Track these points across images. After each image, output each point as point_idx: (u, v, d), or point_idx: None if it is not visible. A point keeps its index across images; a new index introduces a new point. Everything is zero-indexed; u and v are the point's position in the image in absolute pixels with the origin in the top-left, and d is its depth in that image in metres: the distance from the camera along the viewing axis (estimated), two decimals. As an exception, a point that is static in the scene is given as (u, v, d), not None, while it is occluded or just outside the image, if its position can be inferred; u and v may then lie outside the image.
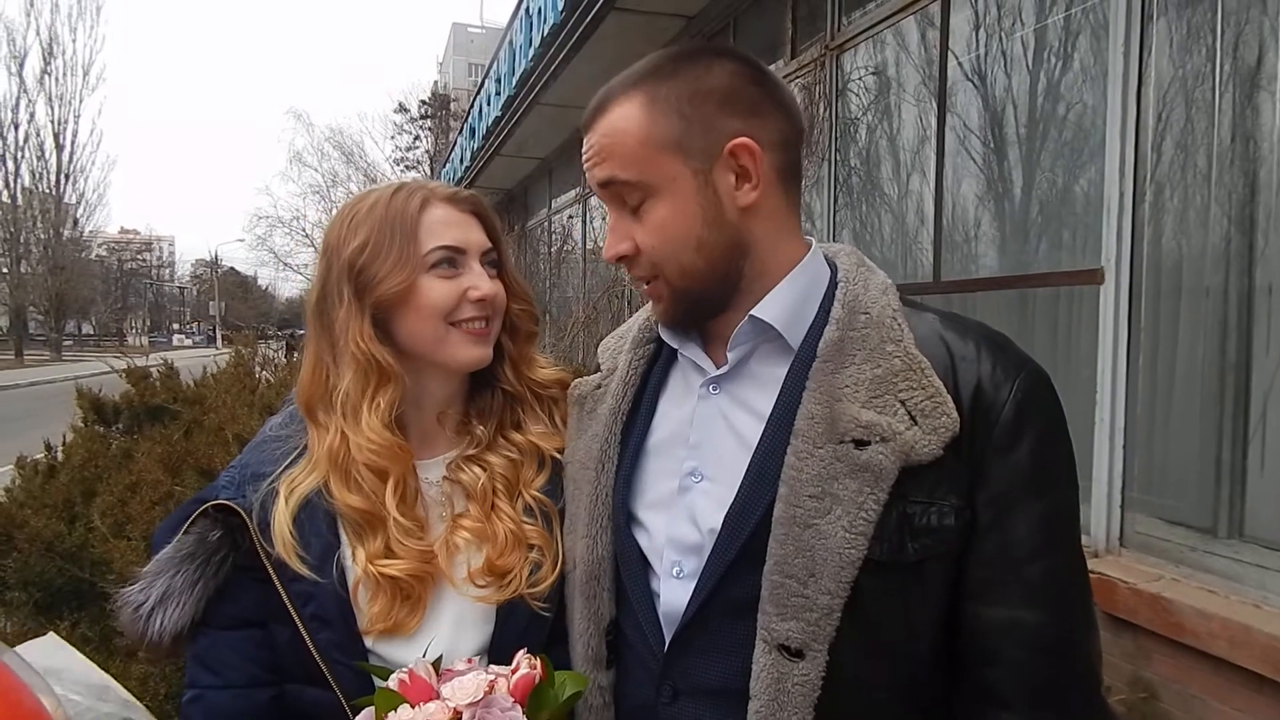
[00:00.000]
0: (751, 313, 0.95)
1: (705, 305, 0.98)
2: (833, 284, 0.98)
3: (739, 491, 0.93)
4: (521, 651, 0.97)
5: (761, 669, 0.88)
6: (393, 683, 0.92)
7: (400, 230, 1.08)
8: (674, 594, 0.96)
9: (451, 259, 1.10)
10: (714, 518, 0.94)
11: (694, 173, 0.93)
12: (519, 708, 0.91)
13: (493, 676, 0.92)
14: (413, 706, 0.89)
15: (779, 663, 0.87)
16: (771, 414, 0.94)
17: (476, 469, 1.13)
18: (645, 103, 0.93)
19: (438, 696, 0.90)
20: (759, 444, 0.94)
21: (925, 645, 0.91)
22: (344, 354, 1.08)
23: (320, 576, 1.04)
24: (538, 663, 0.95)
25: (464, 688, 0.90)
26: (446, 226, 1.10)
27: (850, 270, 0.98)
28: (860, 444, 0.88)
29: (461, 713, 0.88)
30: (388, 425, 1.08)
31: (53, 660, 1.00)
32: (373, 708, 0.92)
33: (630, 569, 1.01)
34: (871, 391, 0.90)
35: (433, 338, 1.09)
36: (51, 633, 1.23)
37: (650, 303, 1.03)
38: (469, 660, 1.00)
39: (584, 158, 0.98)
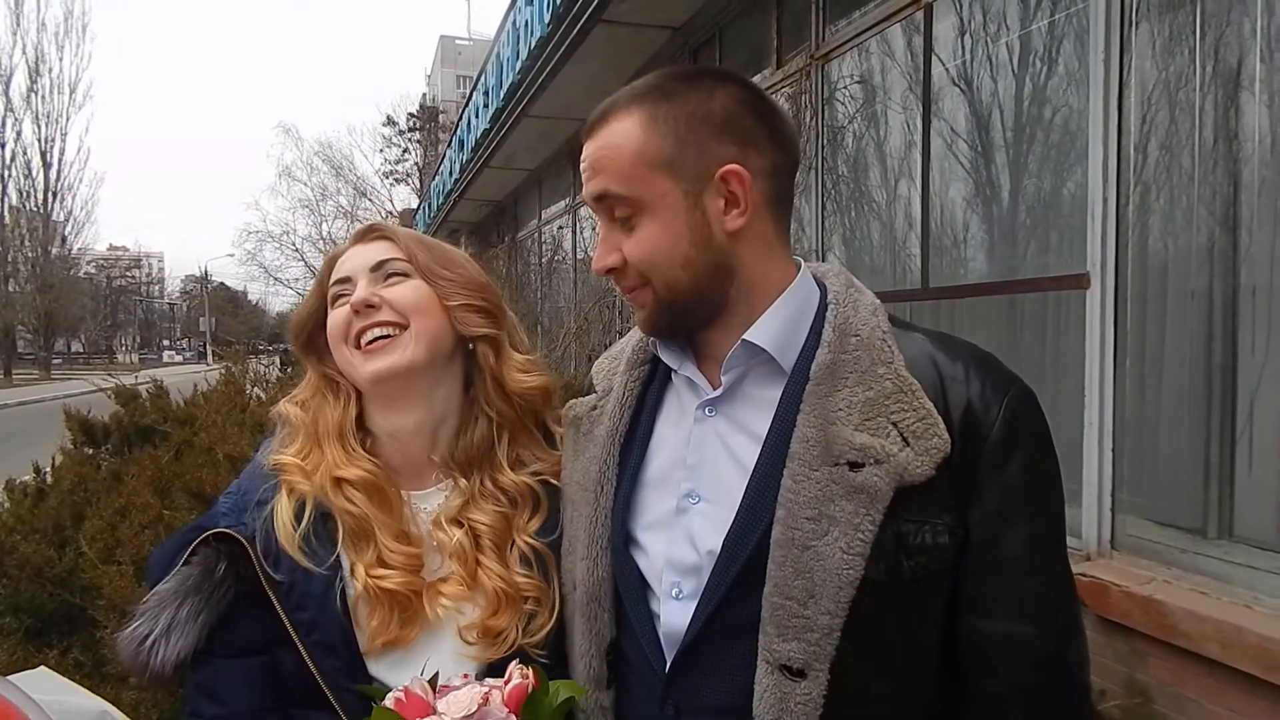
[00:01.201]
0: (744, 337, 0.96)
1: (687, 319, 0.99)
2: (823, 305, 0.99)
3: (737, 514, 0.94)
4: (514, 662, 0.98)
5: (764, 690, 0.89)
6: (389, 702, 0.92)
7: (319, 284, 1.21)
8: (674, 615, 0.96)
9: (343, 291, 1.16)
10: (712, 539, 0.94)
11: (684, 193, 0.94)
12: (513, 718, 0.92)
13: (487, 689, 0.93)
14: None
15: (781, 683, 0.88)
16: (767, 437, 0.95)
17: (457, 531, 1.13)
18: (644, 120, 0.94)
19: (434, 712, 0.91)
20: (756, 467, 0.94)
21: (924, 660, 0.92)
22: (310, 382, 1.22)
23: (322, 574, 1.07)
24: (529, 672, 0.96)
25: (458, 702, 0.91)
26: (345, 262, 1.18)
27: (840, 292, 0.99)
28: (855, 466, 0.89)
29: None
30: (342, 436, 1.14)
31: (46, 691, 0.99)
32: None
33: (630, 590, 1.01)
34: (864, 414, 0.91)
35: (343, 362, 1.16)
36: (43, 666, 1.22)
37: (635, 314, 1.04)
38: (464, 676, 1.00)
39: (582, 167, 0.99)
